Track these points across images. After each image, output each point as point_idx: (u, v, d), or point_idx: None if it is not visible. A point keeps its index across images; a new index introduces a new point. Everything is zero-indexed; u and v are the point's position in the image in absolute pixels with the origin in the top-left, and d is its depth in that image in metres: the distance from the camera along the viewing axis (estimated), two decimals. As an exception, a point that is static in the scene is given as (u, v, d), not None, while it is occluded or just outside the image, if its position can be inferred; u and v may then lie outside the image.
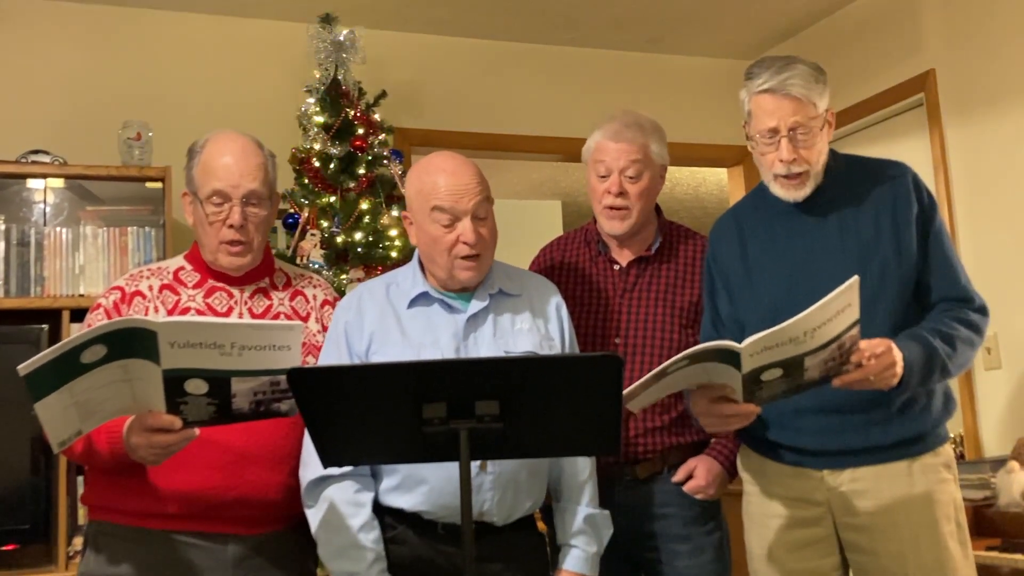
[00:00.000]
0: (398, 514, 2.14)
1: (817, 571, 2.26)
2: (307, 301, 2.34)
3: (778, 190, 2.27)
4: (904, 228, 2.22)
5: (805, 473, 2.25)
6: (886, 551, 2.17)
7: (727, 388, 1.97)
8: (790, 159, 2.21)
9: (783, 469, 2.28)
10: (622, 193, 2.52)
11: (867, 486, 2.19)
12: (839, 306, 1.85)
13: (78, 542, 3.30)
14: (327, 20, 3.89)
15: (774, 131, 2.21)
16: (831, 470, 2.21)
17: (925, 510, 2.17)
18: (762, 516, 2.32)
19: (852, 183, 2.30)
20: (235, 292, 2.26)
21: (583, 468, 2.25)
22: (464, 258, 2.16)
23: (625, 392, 1.83)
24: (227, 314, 2.23)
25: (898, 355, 2.01)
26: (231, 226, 2.19)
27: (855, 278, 1.87)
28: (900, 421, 2.18)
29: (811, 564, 2.25)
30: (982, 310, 2.23)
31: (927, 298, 2.23)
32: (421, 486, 2.10)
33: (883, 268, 2.20)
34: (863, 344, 1.96)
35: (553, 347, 2.25)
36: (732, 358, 1.86)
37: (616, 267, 2.61)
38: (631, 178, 2.52)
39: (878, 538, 2.18)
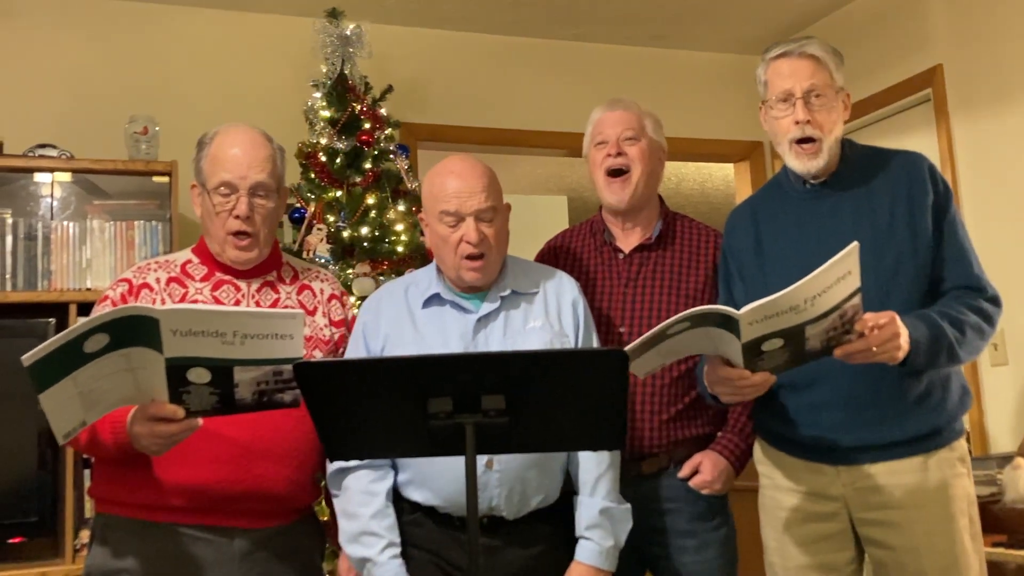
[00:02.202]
0: (416, 505, 2.20)
1: (832, 565, 2.26)
2: (314, 295, 2.35)
3: (792, 161, 2.28)
4: (919, 217, 2.22)
5: (821, 468, 2.25)
6: (902, 545, 2.17)
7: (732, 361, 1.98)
8: (804, 119, 2.22)
9: (799, 463, 2.28)
10: (621, 154, 2.56)
11: (883, 481, 2.18)
12: (838, 273, 1.85)
13: (85, 535, 3.31)
14: (333, 15, 3.89)
15: (789, 93, 2.24)
16: (847, 465, 2.21)
17: (940, 505, 2.17)
18: (778, 510, 2.32)
19: (868, 171, 2.30)
20: (242, 285, 2.27)
21: (600, 461, 2.24)
22: (468, 258, 2.20)
23: (627, 348, 1.84)
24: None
25: (903, 329, 2.00)
26: (237, 217, 2.20)
27: (854, 244, 1.86)
28: (916, 416, 2.18)
29: (826, 558, 2.26)
30: (994, 300, 2.22)
31: (940, 287, 2.22)
32: (430, 482, 2.15)
33: (898, 257, 2.20)
34: (867, 315, 1.96)
35: (567, 343, 2.27)
36: (731, 325, 1.86)
37: (620, 256, 2.62)
38: (628, 139, 2.58)
39: (894, 533, 2.18)
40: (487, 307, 2.25)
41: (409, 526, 2.18)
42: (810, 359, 1.98)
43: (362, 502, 2.15)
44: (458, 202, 2.20)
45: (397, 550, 2.13)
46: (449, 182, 2.23)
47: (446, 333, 2.22)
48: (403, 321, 2.25)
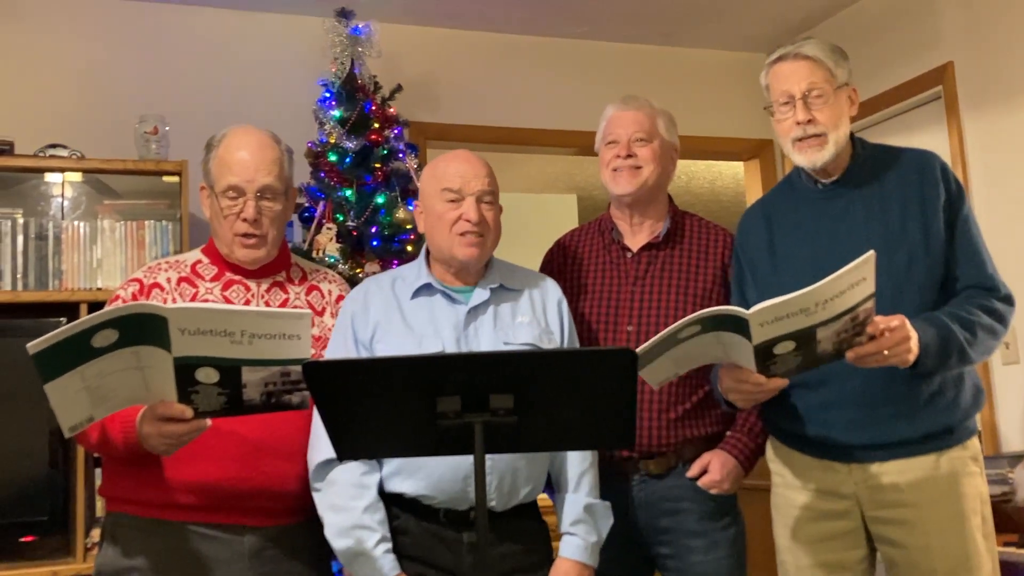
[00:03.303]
0: (400, 501, 2.17)
1: (844, 563, 2.25)
2: (322, 296, 2.36)
3: (798, 157, 2.28)
4: (932, 216, 2.21)
5: (833, 466, 2.24)
6: (914, 544, 2.17)
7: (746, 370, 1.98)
8: (805, 120, 2.23)
9: (811, 462, 2.28)
10: (631, 155, 2.56)
11: (895, 479, 2.18)
12: (852, 279, 1.85)
13: (96, 534, 3.32)
14: (343, 14, 3.90)
15: (789, 95, 2.25)
16: (859, 463, 2.21)
17: (952, 503, 2.17)
18: (790, 508, 2.32)
19: (879, 170, 2.29)
20: (252, 285, 2.28)
21: (584, 458, 2.27)
22: (464, 235, 2.23)
23: (638, 351, 1.83)
24: (243, 307, 2.24)
25: (912, 332, 2.00)
26: (245, 219, 2.21)
27: (871, 253, 1.87)
28: (928, 414, 2.18)
29: (838, 556, 2.25)
30: (1007, 299, 2.22)
31: (952, 286, 2.22)
32: (421, 470, 2.13)
33: (910, 256, 2.19)
34: (878, 318, 1.96)
35: (553, 340, 2.29)
36: (742, 327, 1.85)
37: (628, 254, 2.61)
38: (640, 140, 2.57)
39: (906, 531, 2.17)
40: (478, 297, 2.27)
41: (392, 533, 2.14)
42: (822, 362, 1.98)
43: (354, 495, 2.12)
44: (461, 181, 2.25)
45: (389, 544, 2.12)
46: (452, 164, 2.29)
47: (437, 323, 2.23)
48: (392, 311, 2.26)
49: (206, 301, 2.22)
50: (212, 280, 2.27)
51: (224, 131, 2.31)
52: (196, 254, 2.34)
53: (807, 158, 2.26)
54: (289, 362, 1.83)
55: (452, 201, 2.25)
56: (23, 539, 3.32)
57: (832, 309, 1.86)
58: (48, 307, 3.49)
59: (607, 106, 2.68)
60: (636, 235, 2.63)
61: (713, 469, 2.46)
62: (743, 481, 2.52)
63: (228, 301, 2.24)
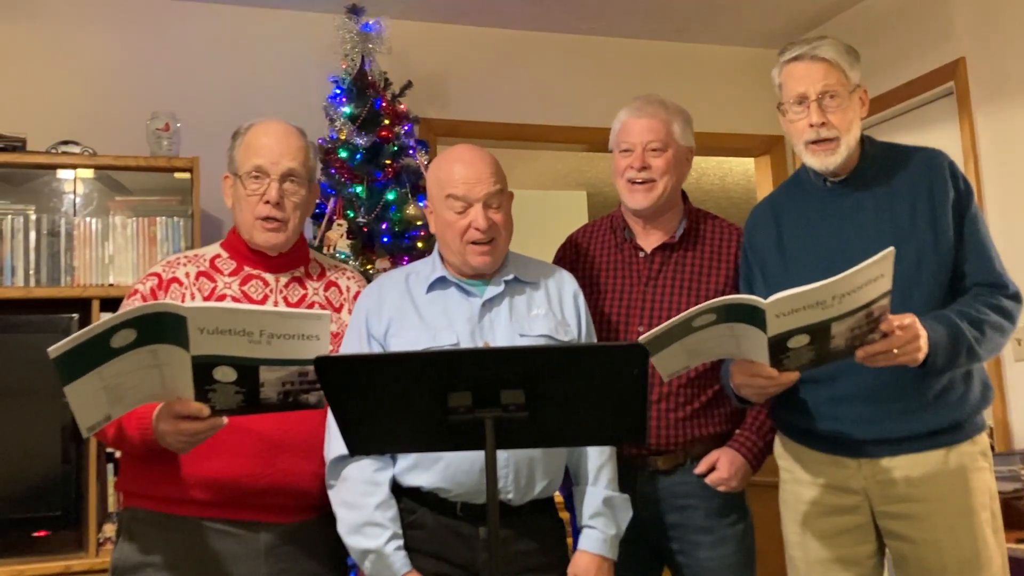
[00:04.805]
0: (416, 495, 2.16)
1: (853, 558, 2.25)
2: (340, 292, 2.37)
3: (810, 159, 2.28)
4: (941, 214, 2.22)
5: (842, 461, 2.25)
6: (923, 539, 2.17)
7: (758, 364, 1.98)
8: (819, 122, 2.22)
9: (820, 457, 2.28)
10: (645, 167, 2.53)
11: (904, 474, 2.18)
12: (871, 275, 1.85)
13: (108, 529, 3.34)
14: (353, 11, 3.90)
15: (803, 96, 2.24)
16: (868, 458, 2.21)
17: (962, 499, 2.17)
18: (799, 503, 2.32)
19: (888, 168, 2.30)
20: (270, 280, 2.29)
21: (602, 451, 2.27)
22: (475, 243, 2.22)
23: (644, 338, 1.83)
24: (262, 302, 2.25)
25: (922, 330, 2.00)
26: (267, 202, 2.22)
27: (890, 249, 1.87)
28: (937, 409, 2.18)
29: (847, 551, 2.25)
30: (1015, 297, 2.22)
31: (960, 284, 2.22)
32: (437, 463, 2.13)
33: (919, 254, 2.20)
34: (890, 316, 1.96)
35: (569, 332, 2.28)
36: (757, 318, 1.85)
37: (641, 254, 2.60)
38: (654, 151, 2.53)
39: (915, 526, 2.18)
40: (492, 290, 2.26)
41: (409, 529, 2.14)
42: (834, 358, 1.98)
43: (365, 492, 2.13)
44: (466, 188, 2.22)
45: (401, 541, 2.11)
46: (456, 168, 2.25)
47: (451, 315, 2.22)
48: (406, 306, 2.25)
49: (224, 296, 2.23)
50: (231, 275, 2.28)
51: (251, 121, 2.35)
52: (215, 248, 2.35)
53: (819, 161, 2.26)
54: (307, 362, 1.82)
55: (460, 212, 2.22)
56: (36, 534, 3.34)
57: (848, 304, 1.86)
58: (60, 303, 3.50)
59: (621, 109, 2.62)
60: (649, 235, 2.61)
61: (721, 467, 2.46)
62: (751, 478, 2.51)
63: (246, 295, 2.25)
